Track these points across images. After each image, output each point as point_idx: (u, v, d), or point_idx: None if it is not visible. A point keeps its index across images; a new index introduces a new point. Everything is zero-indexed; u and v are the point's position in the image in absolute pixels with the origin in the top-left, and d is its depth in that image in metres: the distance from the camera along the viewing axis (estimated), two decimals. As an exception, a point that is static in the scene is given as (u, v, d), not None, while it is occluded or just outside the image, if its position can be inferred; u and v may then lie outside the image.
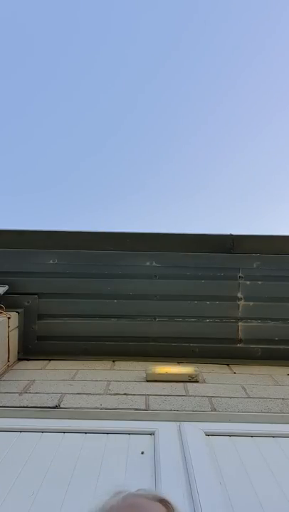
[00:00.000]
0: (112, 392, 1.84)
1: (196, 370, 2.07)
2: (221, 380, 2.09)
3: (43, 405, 1.67)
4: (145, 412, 1.62)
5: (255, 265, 2.53)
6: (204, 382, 2.05)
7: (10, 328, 2.27)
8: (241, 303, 2.51)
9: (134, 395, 1.82)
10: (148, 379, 2.02)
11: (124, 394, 1.82)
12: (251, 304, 2.51)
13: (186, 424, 1.48)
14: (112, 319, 2.50)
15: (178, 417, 1.57)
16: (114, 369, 2.26)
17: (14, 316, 2.37)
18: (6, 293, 2.41)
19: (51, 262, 2.54)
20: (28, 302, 2.50)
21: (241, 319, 2.51)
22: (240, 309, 2.51)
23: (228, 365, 2.40)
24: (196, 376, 2.04)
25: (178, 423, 1.50)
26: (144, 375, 2.06)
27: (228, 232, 2.58)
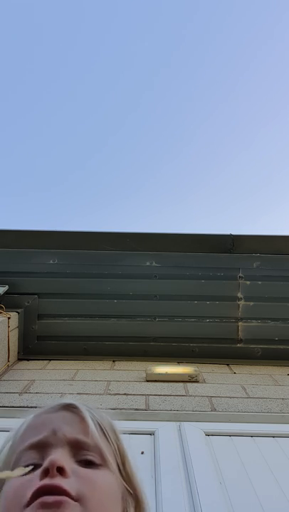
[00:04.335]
0: (112, 392, 1.84)
1: (196, 370, 2.07)
2: (221, 380, 2.09)
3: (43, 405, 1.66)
4: (145, 412, 1.62)
5: (255, 265, 2.53)
6: (204, 382, 2.05)
7: (10, 328, 2.27)
8: (241, 303, 2.51)
9: (134, 394, 1.82)
10: (148, 379, 2.02)
11: (124, 394, 1.82)
12: (251, 304, 2.51)
13: (186, 424, 1.48)
14: (112, 319, 2.50)
15: (178, 417, 1.57)
16: (114, 369, 2.26)
17: (14, 316, 2.37)
18: (6, 293, 2.41)
19: (51, 262, 2.55)
20: (28, 302, 2.50)
21: (241, 319, 2.51)
22: (240, 309, 2.51)
23: (228, 365, 2.40)
24: (196, 376, 2.04)
25: (178, 423, 1.49)
26: (144, 375, 2.06)
27: (228, 232, 2.58)
